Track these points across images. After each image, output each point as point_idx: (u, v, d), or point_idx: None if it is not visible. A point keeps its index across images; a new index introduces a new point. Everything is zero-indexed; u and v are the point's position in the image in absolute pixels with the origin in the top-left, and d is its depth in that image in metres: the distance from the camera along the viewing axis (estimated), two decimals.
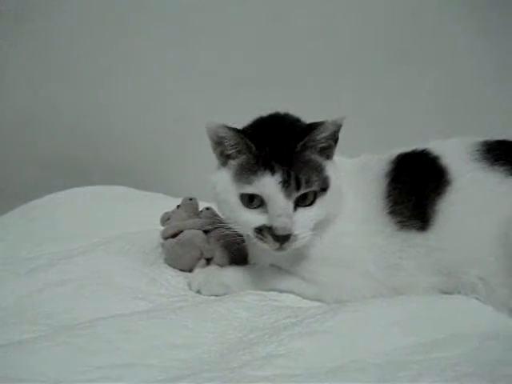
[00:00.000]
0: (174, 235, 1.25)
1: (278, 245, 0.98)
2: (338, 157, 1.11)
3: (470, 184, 1.00)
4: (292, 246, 0.99)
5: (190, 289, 1.13)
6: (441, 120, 1.81)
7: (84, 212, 1.59)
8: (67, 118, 2.06)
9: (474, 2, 1.85)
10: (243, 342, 0.86)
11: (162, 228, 1.30)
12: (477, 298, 0.96)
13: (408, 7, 1.90)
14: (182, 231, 1.25)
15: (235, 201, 1.02)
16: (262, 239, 1.00)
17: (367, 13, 1.92)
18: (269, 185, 0.98)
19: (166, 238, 1.27)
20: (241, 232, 1.06)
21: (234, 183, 1.02)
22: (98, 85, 2.05)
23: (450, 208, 0.99)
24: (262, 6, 1.97)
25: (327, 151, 1.04)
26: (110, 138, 2.04)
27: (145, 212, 1.55)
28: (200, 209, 1.35)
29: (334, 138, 1.04)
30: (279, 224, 0.97)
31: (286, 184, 0.97)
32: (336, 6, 1.92)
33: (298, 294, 1.07)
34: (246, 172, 1.00)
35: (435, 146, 1.07)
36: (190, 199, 1.36)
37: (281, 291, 1.08)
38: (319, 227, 1.03)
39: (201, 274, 1.16)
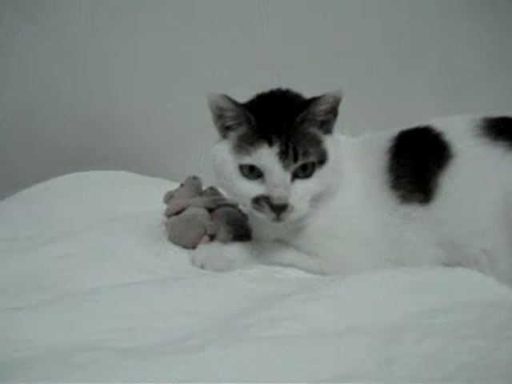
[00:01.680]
0: (178, 213, 1.26)
1: (274, 215, 1.00)
2: (340, 135, 1.13)
3: (472, 158, 1.01)
4: (289, 217, 1.00)
5: (194, 264, 1.13)
6: (441, 105, 1.81)
7: (86, 195, 1.58)
8: (68, 103, 2.05)
9: None
10: (247, 309, 0.86)
11: (165, 206, 1.30)
12: (479, 270, 0.97)
13: None
14: (185, 209, 1.25)
15: (234, 171, 1.03)
16: (259, 209, 1.01)
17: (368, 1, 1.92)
18: (266, 156, 0.99)
19: (169, 216, 1.27)
20: (240, 203, 1.09)
21: (233, 154, 1.03)
22: (99, 70, 2.04)
23: (452, 181, 1.01)
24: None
25: (327, 125, 1.05)
26: (112, 124, 2.04)
27: (147, 195, 1.55)
28: (203, 189, 1.36)
29: (334, 112, 1.05)
30: (276, 194, 0.98)
31: (283, 155, 0.99)
32: None
33: (302, 268, 1.08)
34: (245, 143, 1.02)
35: (437, 123, 1.08)
36: (194, 178, 1.37)
37: (285, 265, 1.09)
38: (318, 200, 1.04)
39: (204, 249, 1.16)
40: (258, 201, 1.01)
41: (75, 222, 1.36)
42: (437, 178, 1.02)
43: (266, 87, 1.12)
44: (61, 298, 0.87)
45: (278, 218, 1.00)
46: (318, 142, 1.03)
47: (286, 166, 0.99)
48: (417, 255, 1.02)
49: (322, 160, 1.03)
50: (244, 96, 1.10)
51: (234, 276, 1.01)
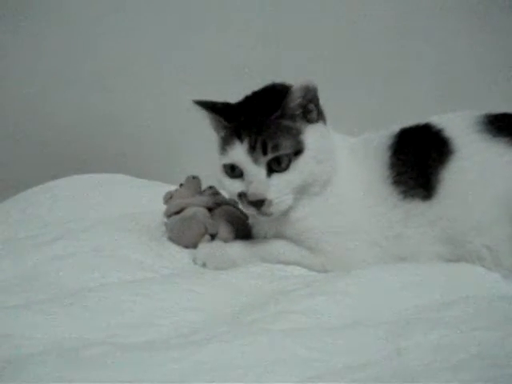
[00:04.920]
0: (177, 213, 1.24)
1: (254, 210, 1.03)
2: (341, 135, 1.16)
3: (473, 153, 1.02)
4: (271, 211, 1.03)
5: (195, 263, 1.12)
6: (440, 101, 1.82)
7: (84, 197, 1.57)
8: (66, 107, 2.05)
9: None
10: (253, 304, 0.86)
11: (166, 207, 1.29)
12: (482, 266, 0.97)
13: None
14: (184, 208, 1.24)
15: (220, 171, 1.08)
16: (243, 206, 1.06)
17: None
18: (237, 153, 1.03)
19: (169, 216, 1.26)
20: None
21: (218, 155, 1.08)
22: (96, 74, 2.05)
23: (454, 177, 1.01)
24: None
25: (308, 115, 1.06)
26: (109, 127, 2.04)
27: (146, 197, 1.55)
28: (203, 188, 1.35)
29: (313, 101, 1.06)
30: (250, 190, 1.01)
31: (252, 150, 1.01)
32: None
33: (305, 266, 1.07)
34: (224, 144, 1.06)
35: (437, 120, 1.09)
36: (194, 177, 1.36)
37: (287, 264, 1.08)
38: (305, 191, 1.06)
39: (206, 248, 1.15)
40: (240, 198, 1.05)
41: (75, 223, 1.34)
42: (438, 173, 1.02)
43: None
44: (64, 296, 0.86)
45: (260, 212, 1.03)
46: (293, 134, 1.03)
47: (255, 161, 1.01)
48: (419, 251, 1.02)
49: (298, 151, 1.03)
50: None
51: (236, 273, 1.01)
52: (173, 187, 1.64)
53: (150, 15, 2.04)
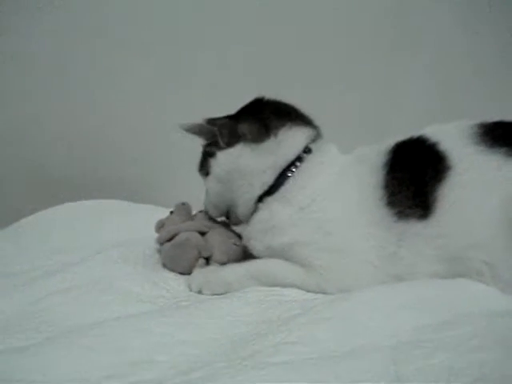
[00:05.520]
0: (170, 239, 1.24)
1: None
2: (330, 153, 1.18)
3: (470, 168, 1.00)
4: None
5: (191, 290, 1.12)
6: (435, 106, 1.83)
7: (77, 226, 1.57)
8: (54, 131, 2.05)
9: None
10: (251, 335, 0.85)
11: (158, 234, 1.28)
12: (482, 282, 0.95)
13: None
14: (177, 234, 1.24)
15: None
16: None
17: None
18: None
19: (161, 244, 1.26)
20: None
21: None
22: (85, 97, 2.04)
23: (452, 193, 0.99)
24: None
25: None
26: (99, 153, 2.03)
27: (139, 222, 1.53)
28: (193, 213, 1.35)
29: (211, 137, 1.21)
30: None
31: None
32: None
33: (301, 287, 1.06)
34: None
35: (431, 132, 1.07)
36: (183, 204, 1.36)
37: (283, 286, 1.07)
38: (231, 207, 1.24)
39: (200, 273, 1.15)
40: None
41: (69, 254, 1.35)
42: (435, 191, 1.00)
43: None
44: (63, 335, 0.85)
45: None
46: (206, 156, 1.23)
47: None
48: (415, 270, 1.00)
49: (205, 173, 1.24)
50: None
51: (233, 301, 1.00)
52: (166, 210, 1.66)
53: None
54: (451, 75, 1.90)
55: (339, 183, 1.11)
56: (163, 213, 1.53)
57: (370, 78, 1.93)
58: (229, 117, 1.22)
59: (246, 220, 1.21)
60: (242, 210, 1.21)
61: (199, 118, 1.20)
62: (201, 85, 1.97)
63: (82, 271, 1.14)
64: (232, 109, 1.23)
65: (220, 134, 1.18)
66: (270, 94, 1.22)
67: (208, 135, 1.22)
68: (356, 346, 0.76)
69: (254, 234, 1.17)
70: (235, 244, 1.25)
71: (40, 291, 1.06)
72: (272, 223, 1.14)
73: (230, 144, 1.18)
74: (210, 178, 1.22)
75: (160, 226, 1.30)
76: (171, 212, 1.34)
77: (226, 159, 1.18)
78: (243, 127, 1.18)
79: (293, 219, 1.11)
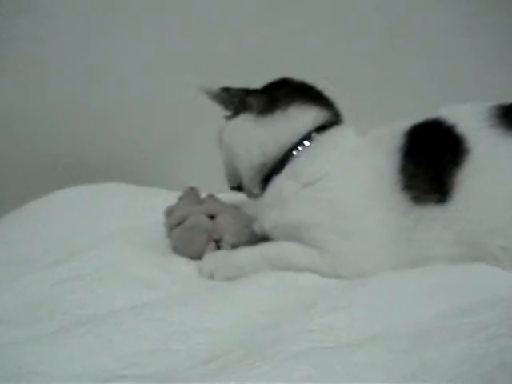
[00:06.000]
0: (179, 224, 1.23)
1: None
2: (344, 135, 1.16)
3: (489, 151, 0.98)
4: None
5: (201, 275, 1.11)
6: (436, 92, 1.80)
7: (80, 212, 1.53)
8: (54, 115, 2.00)
9: None
10: (268, 322, 0.84)
11: (168, 220, 1.27)
12: (499, 267, 0.95)
13: None
14: (186, 219, 1.23)
15: None
16: None
17: None
18: None
19: (171, 229, 1.24)
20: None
21: None
22: (84, 79, 2.00)
23: (471, 178, 0.98)
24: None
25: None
26: (99, 134, 1.99)
27: (145, 206, 1.52)
28: (202, 197, 1.34)
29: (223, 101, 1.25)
30: None
31: None
32: None
33: (315, 271, 1.04)
34: None
35: (448, 114, 1.05)
36: (191, 188, 1.34)
37: (297, 270, 1.05)
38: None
39: (211, 258, 1.14)
40: None
41: (74, 241, 1.32)
42: (454, 175, 0.98)
43: None
44: (75, 326, 0.84)
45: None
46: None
47: None
48: (432, 255, 0.99)
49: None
50: None
51: (246, 287, 0.98)
52: (171, 193, 1.65)
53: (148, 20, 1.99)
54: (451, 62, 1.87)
55: (351, 165, 1.10)
56: (168, 196, 1.53)
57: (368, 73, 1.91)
58: (247, 89, 1.24)
59: (254, 196, 1.23)
60: (245, 181, 1.23)
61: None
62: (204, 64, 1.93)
63: (90, 258, 1.12)
64: None
65: (230, 102, 1.24)
66: None
67: (224, 103, 1.26)
68: (375, 334, 0.75)
69: (261, 211, 1.17)
70: (245, 225, 1.24)
71: (48, 280, 1.04)
72: (277, 199, 1.13)
73: (237, 113, 1.22)
74: (221, 147, 1.27)
75: (169, 211, 1.28)
76: (180, 198, 1.32)
77: (231, 128, 1.23)
78: (251, 99, 1.21)
79: (298, 196, 1.10)
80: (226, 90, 1.24)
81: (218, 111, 1.28)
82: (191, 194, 1.32)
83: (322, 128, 1.16)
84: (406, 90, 1.86)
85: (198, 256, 1.19)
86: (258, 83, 1.25)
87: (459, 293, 0.87)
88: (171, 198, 1.38)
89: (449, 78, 1.86)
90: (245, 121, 1.20)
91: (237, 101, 1.23)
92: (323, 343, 0.73)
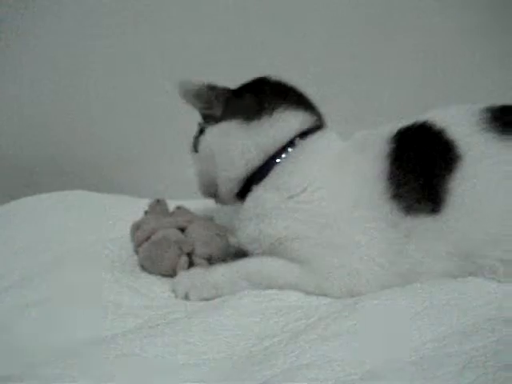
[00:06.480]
0: (147, 239, 1.14)
1: None
2: (327, 140, 1.09)
3: (482, 157, 0.92)
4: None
5: (176, 295, 1.03)
6: (428, 87, 1.74)
7: (41, 223, 1.42)
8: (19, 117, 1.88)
9: None
10: (257, 354, 0.77)
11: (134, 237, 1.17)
12: (496, 280, 0.90)
13: None
14: (154, 233, 1.14)
15: None
16: None
17: None
18: None
19: (139, 246, 1.15)
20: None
21: None
22: (55, 81, 1.87)
23: (464, 185, 0.91)
24: None
25: (206, 117, 1.15)
26: (63, 136, 1.86)
27: (110, 216, 1.43)
28: (171, 210, 1.25)
29: (202, 104, 1.13)
30: None
31: None
32: None
33: (299, 288, 0.97)
34: None
35: (437, 117, 0.98)
36: (158, 201, 1.25)
37: (279, 287, 0.98)
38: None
39: (185, 276, 1.05)
40: None
41: (31, 260, 1.21)
42: (446, 183, 0.92)
43: None
44: (45, 362, 0.74)
45: None
46: (198, 133, 1.16)
47: None
48: (424, 269, 0.93)
49: (195, 149, 1.16)
50: None
51: (227, 311, 0.90)
52: (136, 200, 1.55)
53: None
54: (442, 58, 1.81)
55: (336, 172, 1.03)
56: (135, 204, 1.44)
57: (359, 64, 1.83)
58: (229, 89, 1.14)
59: (230, 203, 1.16)
60: (222, 191, 1.14)
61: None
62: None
63: (56, 278, 1.03)
64: None
65: (213, 102, 1.11)
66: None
67: (205, 103, 1.12)
68: (374, 367, 0.69)
69: (239, 224, 1.09)
70: (218, 234, 1.16)
71: (7, 306, 0.94)
72: (257, 211, 1.05)
73: (222, 117, 1.11)
74: (196, 155, 1.16)
75: (135, 228, 1.18)
76: (146, 212, 1.23)
77: (214, 135, 1.12)
78: (239, 102, 1.11)
79: (281, 208, 1.03)
80: (213, 87, 1.12)
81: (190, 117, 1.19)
82: (158, 206, 1.23)
83: (305, 133, 1.08)
84: (399, 91, 1.79)
85: (169, 272, 1.10)
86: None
87: (458, 313, 0.81)
88: (138, 206, 1.29)
89: (443, 78, 1.80)
90: (231, 127, 1.10)
91: (222, 102, 1.11)
92: (321, 381, 0.66)
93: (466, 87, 1.66)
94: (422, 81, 1.80)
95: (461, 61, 1.76)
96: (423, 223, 0.93)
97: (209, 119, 1.14)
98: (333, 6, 1.80)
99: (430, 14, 1.79)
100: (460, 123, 0.96)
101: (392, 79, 1.80)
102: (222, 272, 1.04)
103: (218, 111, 1.11)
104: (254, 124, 1.08)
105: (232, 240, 1.15)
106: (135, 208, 1.32)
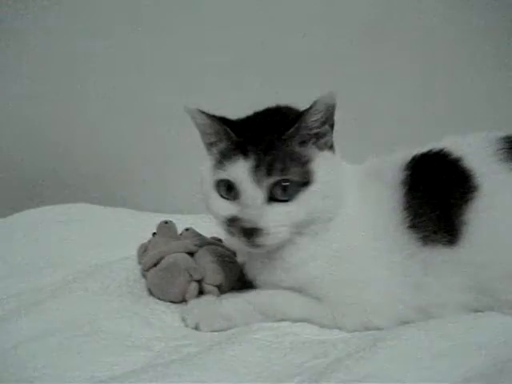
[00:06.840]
0: (155, 265, 1.11)
1: (245, 239, 0.92)
2: (349, 165, 1.04)
3: (499, 188, 0.90)
4: (263, 242, 0.91)
5: (186, 325, 1.00)
6: (428, 87, 1.72)
7: (42, 239, 1.41)
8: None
9: None
10: None
11: (142, 261, 1.15)
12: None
13: None
14: (162, 258, 1.12)
15: (211, 189, 0.96)
16: (232, 232, 0.94)
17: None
18: (239, 169, 0.92)
19: (147, 270, 1.13)
20: (219, 225, 0.99)
21: (212, 171, 0.97)
22: (57, 92, 1.86)
23: (481, 217, 0.89)
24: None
25: (322, 139, 0.96)
26: (65, 148, 1.84)
27: (114, 232, 1.41)
28: (179, 232, 1.23)
29: (329, 122, 0.95)
30: (246, 215, 0.91)
31: (257, 169, 0.90)
32: None
33: (314, 322, 0.96)
34: (223, 158, 0.95)
35: (453, 146, 0.96)
36: (166, 222, 1.23)
37: (293, 320, 0.97)
38: (305, 227, 0.95)
39: (196, 306, 1.03)
40: (230, 223, 0.93)
41: (36, 278, 1.19)
42: (463, 214, 0.90)
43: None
44: None
45: (249, 243, 0.92)
46: (303, 161, 0.93)
47: (257, 181, 0.90)
48: (442, 302, 0.91)
49: (306, 182, 0.92)
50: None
51: (242, 345, 0.88)
52: (140, 214, 1.53)
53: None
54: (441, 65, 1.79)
55: (356, 203, 0.99)
56: (139, 217, 1.42)
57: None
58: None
59: None
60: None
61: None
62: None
63: (60, 308, 1.00)
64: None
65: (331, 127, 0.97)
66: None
67: (312, 124, 0.95)
68: None
69: (251, 257, 1.04)
70: (228, 260, 1.13)
71: (11, 336, 0.91)
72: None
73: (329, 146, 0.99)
74: (313, 188, 0.95)
75: (143, 250, 1.16)
76: (154, 234, 1.20)
77: (332, 163, 0.98)
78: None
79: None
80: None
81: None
82: (166, 228, 1.21)
83: None
84: (399, 91, 1.76)
85: (178, 299, 1.08)
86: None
87: (478, 351, 0.79)
88: (141, 219, 1.27)
89: (443, 78, 1.77)
90: (333, 156, 0.99)
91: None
92: None
93: (466, 87, 1.63)
94: (421, 81, 1.78)
95: (461, 61, 1.73)
96: (440, 255, 0.91)
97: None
98: (333, 5, 1.78)
99: (430, 14, 1.77)
100: (477, 153, 0.94)
101: (392, 79, 1.77)
102: (233, 303, 1.01)
103: (329, 138, 0.98)
104: None
105: (245, 273, 1.10)
106: (137, 221, 1.31)
